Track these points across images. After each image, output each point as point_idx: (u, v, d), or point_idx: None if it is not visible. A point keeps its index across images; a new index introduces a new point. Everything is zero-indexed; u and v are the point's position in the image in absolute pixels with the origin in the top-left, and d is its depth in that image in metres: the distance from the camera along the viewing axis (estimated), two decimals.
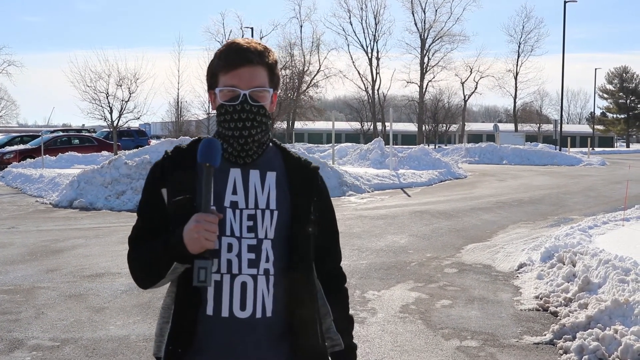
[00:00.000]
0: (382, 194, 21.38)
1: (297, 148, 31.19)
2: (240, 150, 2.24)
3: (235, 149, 2.25)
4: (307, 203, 2.30)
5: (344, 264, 2.56)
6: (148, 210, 2.29)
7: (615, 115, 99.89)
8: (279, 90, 2.35)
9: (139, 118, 37.58)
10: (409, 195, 20.98)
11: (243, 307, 2.16)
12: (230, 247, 2.18)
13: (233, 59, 2.21)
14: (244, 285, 2.17)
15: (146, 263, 2.22)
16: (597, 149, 72.70)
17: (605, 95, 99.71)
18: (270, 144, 2.36)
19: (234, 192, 2.23)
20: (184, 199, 2.17)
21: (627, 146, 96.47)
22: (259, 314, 2.17)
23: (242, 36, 66.46)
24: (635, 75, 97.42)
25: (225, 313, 2.16)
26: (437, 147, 59.30)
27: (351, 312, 2.60)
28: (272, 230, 2.22)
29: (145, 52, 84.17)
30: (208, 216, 2.02)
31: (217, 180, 2.20)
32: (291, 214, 2.26)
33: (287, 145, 2.45)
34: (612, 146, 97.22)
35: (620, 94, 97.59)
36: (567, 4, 58.03)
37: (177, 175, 2.23)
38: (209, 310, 2.17)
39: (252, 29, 64.79)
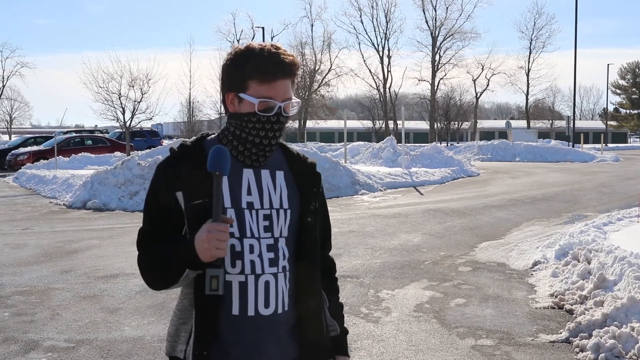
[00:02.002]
0: (395, 192, 21.34)
1: (309, 147, 31.11)
2: (261, 155, 2.30)
3: (253, 153, 2.29)
4: (313, 200, 2.39)
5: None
6: (159, 214, 2.27)
7: (628, 111, 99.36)
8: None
9: (151, 118, 37.77)
10: (421, 194, 20.94)
11: (267, 304, 2.24)
12: (251, 249, 2.23)
13: (273, 70, 2.22)
14: (267, 284, 2.24)
15: (158, 269, 2.24)
16: (610, 145, 72.29)
17: (618, 91, 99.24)
18: None
19: (249, 193, 2.27)
20: (203, 202, 2.18)
21: None
22: (280, 310, 2.25)
23: (254, 36, 66.68)
24: None
25: (251, 312, 2.22)
26: (449, 144, 59.09)
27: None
28: (287, 228, 2.30)
29: (157, 52, 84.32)
30: (219, 225, 2.06)
31: (232, 182, 2.24)
32: (300, 211, 2.33)
33: (286, 143, 2.48)
34: (626, 142, 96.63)
35: (634, 89, 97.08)
36: None
37: (193, 177, 2.22)
38: (235, 310, 2.22)
39: (263, 28, 64.99)
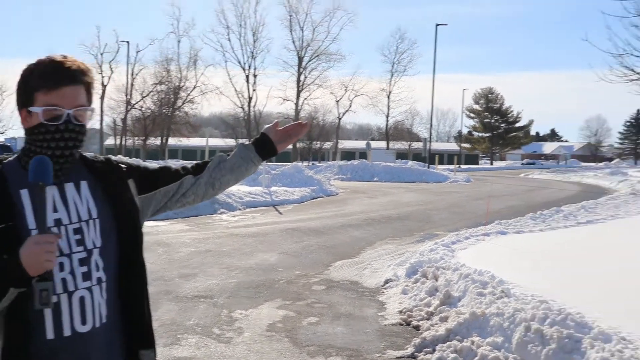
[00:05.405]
0: (254, 211, 21.31)
1: (171, 164, 30.58)
2: (59, 169, 2.21)
3: (53, 168, 2.17)
4: (123, 197, 2.33)
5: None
6: None
7: (480, 134, 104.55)
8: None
9: (3, 132, 36.14)
10: (280, 213, 21.04)
11: (84, 321, 2.16)
12: (62, 266, 2.14)
13: (56, 78, 2.16)
14: (82, 299, 2.16)
15: None
16: (463, 167, 75.59)
17: (472, 115, 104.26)
18: None
19: (55, 210, 2.19)
20: (5, 227, 2.08)
21: (491, 163, 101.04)
22: (97, 324, 2.19)
23: (118, 50, 65.06)
24: (499, 96, 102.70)
25: (67, 332, 2.14)
26: (311, 164, 59.92)
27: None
28: (98, 237, 2.23)
29: (15, 63, 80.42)
30: (46, 236, 1.98)
31: (35, 202, 2.14)
32: (113, 214, 2.28)
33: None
34: (477, 163, 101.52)
35: (486, 113, 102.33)
36: (438, 27, 60.52)
37: None
38: (50, 334, 2.12)
39: (127, 42, 63.71)
